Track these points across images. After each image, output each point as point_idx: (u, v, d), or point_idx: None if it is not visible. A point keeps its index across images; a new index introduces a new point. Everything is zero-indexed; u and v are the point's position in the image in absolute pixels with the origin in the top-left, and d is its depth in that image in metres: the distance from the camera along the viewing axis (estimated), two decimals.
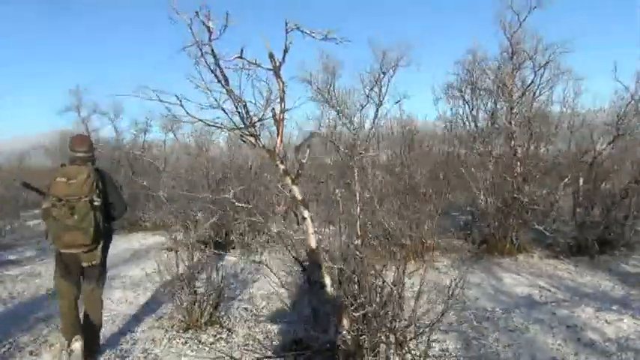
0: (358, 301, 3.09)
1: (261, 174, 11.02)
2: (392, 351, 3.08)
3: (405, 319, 3.16)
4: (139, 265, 8.19)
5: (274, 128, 3.23)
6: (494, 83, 8.94)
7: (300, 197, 3.06)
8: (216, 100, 3.09)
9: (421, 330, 3.28)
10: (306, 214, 3.09)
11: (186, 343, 4.56)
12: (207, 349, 4.40)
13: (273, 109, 3.11)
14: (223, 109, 3.10)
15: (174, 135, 16.25)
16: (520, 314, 5.00)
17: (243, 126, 3.12)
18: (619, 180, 7.51)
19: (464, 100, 11.40)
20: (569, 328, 4.51)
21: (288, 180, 3.07)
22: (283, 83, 3.02)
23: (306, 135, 9.93)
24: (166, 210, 10.50)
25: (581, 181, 7.48)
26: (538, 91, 8.24)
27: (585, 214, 7.53)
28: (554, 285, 6.07)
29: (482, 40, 11.63)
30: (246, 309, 5.65)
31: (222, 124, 3.16)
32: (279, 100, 3.06)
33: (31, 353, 4.49)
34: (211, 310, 4.99)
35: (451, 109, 11.18)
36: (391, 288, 3.09)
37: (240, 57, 2.90)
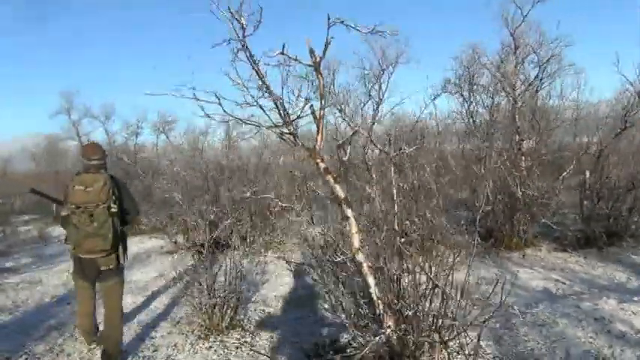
0: (406, 301, 3.03)
1: (258, 174, 11.02)
2: (437, 350, 3.01)
3: (450, 317, 3.10)
4: (141, 269, 8.07)
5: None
6: (496, 78, 8.94)
7: (342, 195, 2.98)
8: (253, 98, 3.00)
9: (463, 328, 3.22)
10: (349, 212, 3.00)
11: (210, 347, 4.45)
12: (233, 352, 4.32)
13: (312, 105, 3.03)
14: (261, 107, 3.01)
15: (167, 136, 16.15)
16: (544, 308, 4.98)
17: (281, 124, 3.03)
18: (625, 172, 7.54)
19: (461, 96, 11.44)
20: (597, 321, 4.50)
21: (330, 178, 2.98)
22: (323, 79, 2.94)
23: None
24: (165, 213, 10.31)
25: (587, 173, 7.50)
26: (541, 85, 8.23)
27: (592, 206, 7.55)
28: (568, 278, 6.08)
29: (480, 37, 11.51)
30: (263, 311, 5.55)
31: (259, 122, 3.07)
32: (319, 96, 2.97)
33: None
34: (232, 313, 4.87)
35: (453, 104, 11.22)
36: (437, 285, 3.03)
37: (282, 53, 2.80)
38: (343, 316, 4.20)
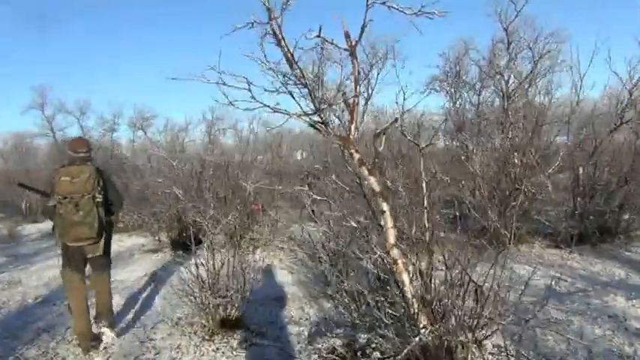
0: (444, 301, 2.89)
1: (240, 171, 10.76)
2: (471, 351, 2.88)
3: (486, 317, 2.98)
4: (125, 268, 7.73)
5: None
6: (487, 74, 8.91)
7: (377, 189, 2.82)
8: (282, 84, 2.81)
9: (495, 328, 3.11)
10: (384, 207, 2.84)
11: (217, 350, 4.23)
12: (243, 354, 4.11)
13: (344, 92, 2.86)
14: (291, 94, 2.82)
15: (145, 132, 15.72)
16: (554, 306, 4.91)
17: (311, 112, 2.85)
18: (617, 169, 7.59)
19: (447, 93, 11.43)
20: (611, 318, 4.46)
21: (364, 171, 2.82)
22: (359, 64, 2.77)
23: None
24: (147, 210, 9.95)
25: (580, 170, 7.52)
26: (535, 81, 8.23)
27: (585, 203, 7.58)
28: (568, 275, 6.05)
29: (470, 34, 11.49)
30: (265, 310, 5.33)
31: (287, 110, 2.87)
32: (352, 82, 2.80)
33: None
34: (237, 313, 4.65)
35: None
36: (475, 284, 2.90)
37: (319, 35, 2.62)
38: (355, 315, 4.08)
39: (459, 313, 2.89)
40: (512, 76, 8.10)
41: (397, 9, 2.52)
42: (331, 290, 5.22)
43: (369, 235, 3.92)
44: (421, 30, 2.45)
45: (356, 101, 2.82)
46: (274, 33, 2.79)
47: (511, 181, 7.81)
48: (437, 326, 2.85)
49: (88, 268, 4.45)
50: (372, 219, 3.36)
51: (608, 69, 7.74)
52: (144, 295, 6.18)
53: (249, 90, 2.69)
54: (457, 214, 4.42)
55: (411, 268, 2.98)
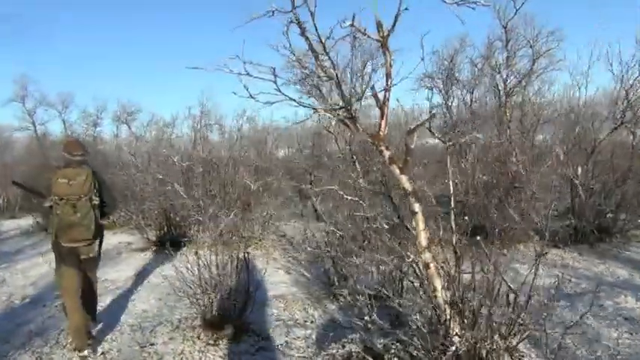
0: (475, 306, 2.74)
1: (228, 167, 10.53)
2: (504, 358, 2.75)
3: (521, 323, 2.85)
4: (114, 267, 7.46)
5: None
6: (483, 72, 8.81)
7: (409, 188, 2.65)
8: (308, 77, 2.62)
9: (527, 333, 2.98)
10: (416, 207, 2.67)
11: (225, 356, 4.03)
12: None
13: (373, 86, 2.69)
14: (317, 87, 2.64)
15: (129, 127, 15.33)
16: (566, 307, 4.82)
17: (338, 106, 2.67)
18: (614, 169, 7.56)
19: (439, 90, 11.31)
20: (627, 321, 4.39)
21: (396, 169, 2.65)
22: (391, 56, 2.60)
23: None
24: (135, 207, 9.63)
25: (579, 169, 7.47)
26: (532, 79, 8.14)
27: (582, 202, 7.54)
28: (573, 275, 5.98)
29: (463, 29, 11.37)
30: (268, 312, 5.14)
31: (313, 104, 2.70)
32: (385, 75, 2.63)
33: None
34: (242, 315, 4.46)
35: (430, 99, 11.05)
36: (510, 289, 2.77)
37: (353, 24, 2.44)
38: (368, 319, 3.91)
39: (492, 319, 2.75)
40: (509, 73, 7.99)
41: None
42: (337, 291, 5.08)
43: (390, 235, 3.76)
44: (463, 20, 2.31)
45: (387, 96, 2.65)
46: (298, 22, 2.61)
47: (509, 179, 7.75)
48: (469, 333, 2.71)
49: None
50: (396, 219, 3.21)
51: (605, 68, 7.67)
52: (137, 295, 5.95)
53: (275, 82, 2.51)
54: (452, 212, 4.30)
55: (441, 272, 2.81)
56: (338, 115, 2.68)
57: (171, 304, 5.49)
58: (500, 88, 8.25)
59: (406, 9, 2.46)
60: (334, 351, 3.96)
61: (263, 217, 9.52)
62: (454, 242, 3.01)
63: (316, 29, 2.48)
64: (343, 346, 4.02)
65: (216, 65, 2.54)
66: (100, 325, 4.81)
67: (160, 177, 9.03)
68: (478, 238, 3.07)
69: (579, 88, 7.98)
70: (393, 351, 3.49)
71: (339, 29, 2.58)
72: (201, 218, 8.84)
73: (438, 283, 2.73)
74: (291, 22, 2.62)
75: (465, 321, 2.76)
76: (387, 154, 2.64)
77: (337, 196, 5.64)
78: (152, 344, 4.35)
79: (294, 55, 2.61)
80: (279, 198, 11.43)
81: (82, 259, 4.24)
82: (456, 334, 2.70)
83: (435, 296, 2.74)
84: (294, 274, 6.65)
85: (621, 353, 3.78)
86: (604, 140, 7.47)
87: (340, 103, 2.68)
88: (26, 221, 12.74)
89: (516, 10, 7.78)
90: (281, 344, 4.26)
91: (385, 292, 3.68)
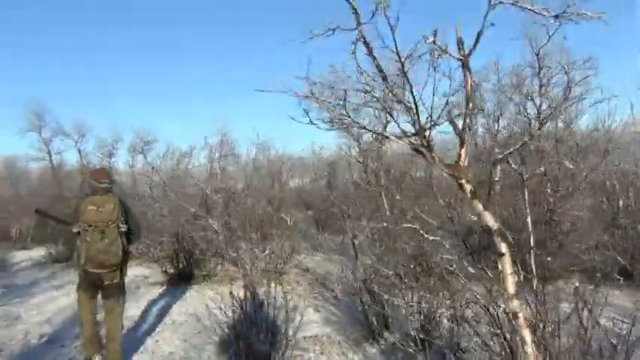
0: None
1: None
2: None
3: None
4: (133, 304, 7.07)
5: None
6: (511, 99, 8.53)
7: (495, 226, 2.33)
8: (377, 100, 2.34)
9: None
10: (503, 248, 2.34)
11: None
12: None
13: (450, 111, 2.40)
14: (389, 112, 2.35)
15: (145, 157, 15.16)
16: None
17: (411, 133, 2.38)
18: None
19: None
20: None
21: (479, 205, 2.33)
22: (472, 77, 2.31)
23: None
24: (152, 239, 9.31)
25: (620, 201, 7.10)
26: (567, 108, 7.84)
27: (625, 235, 7.14)
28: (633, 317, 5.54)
29: (487, 58, 11.14)
30: (305, 358, 4.74)
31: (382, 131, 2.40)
32: (465, 99, 2.34)
33: None
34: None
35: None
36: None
37: (434, 41, 2.17)
38: None
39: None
40: (542, 101, 7.71)
41: (532, 10, 2.09)
42: (376, 334, 4.72)
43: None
44: (565, 36, 2.05)
45: (467, 121, 2.36)
46: (364, 41, 2.34)
47: (544, 213, 7.39)
48: None
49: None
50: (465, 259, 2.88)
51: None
52: (161, 336, 5.58)
53: (344, 106, 2.23)
54: (532, 252, 4.00)
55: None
56: (411, 143, 2.38)
57: (198, 345, 5.15)
58: (530, 116, 7.95)
59: (492, 24, 2.18)
60: None
61: (284, 250, 9.18)
62: (534, 287, 2.66)
63: (396, 47, 2.20)
64: None
65: (282, 87, 2.26)
66: None
67: (193, 210, 8.67)
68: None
69: (615, 116, 7.62)
70: None
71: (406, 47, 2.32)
72: (224, 252, 8.55)
73: (529, 336, 2.37)
74: (357, 39, 2.35)
75: None
76: (468, 187, 2.32)
77: (375, 230, 5.34)
78: None
79: (362, 76, 2.32)
80: (295, 230, 11.16)
81: (106, 285, 4.31)
82: None
83: (525, 352, 2.38)
84: (324, 313, 6.26)
85: None
86: None
87: (412, 130, 2.38)
88: (38, 252, 12.46)
89: (549, 37, 7.48)
90: None
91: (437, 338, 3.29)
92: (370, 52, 2.36)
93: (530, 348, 2.36)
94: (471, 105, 2.33)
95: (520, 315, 2.36)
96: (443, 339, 4.02)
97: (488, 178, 2.45)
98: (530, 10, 2.08)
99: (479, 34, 2.23)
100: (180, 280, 8.37)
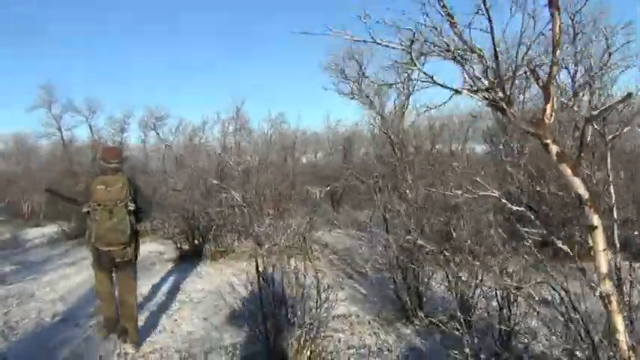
0: None
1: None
2: None
3: None
4: (150, 280, 6.84)
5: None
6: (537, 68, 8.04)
7: (585, 194, 1.99)
8: (447, 47, 1.97)
9: None
10: (595, 220, 2.00)
11: None
12: None
13: (531, 60, 2.04)
14: (459, 60, 1.99)
15: (157, 133, 14.88)
16: None
17: (486, 86, 2.02)
18: None
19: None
20: None
21: (567, 169, 1.99)
22: (560, 19, 1.94)
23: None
24: (168, 215, 9.03)
25: None
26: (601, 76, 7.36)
27: None
28: None
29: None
30: (335, 338, 4.45)
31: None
32: (551, 44, 1.97)
33: None
34: (312, 346, 3.79)
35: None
36: None
37: None
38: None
39: None
40: (577, 70, 7.25)
41: None
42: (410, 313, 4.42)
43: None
44: None
45: (554, 71, 2.00)
46: None
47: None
48: None
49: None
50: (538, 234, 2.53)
51: None
52: (179, 315, 5.33)
53: (410, 52, 1.88)
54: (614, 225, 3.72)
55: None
56: (486, 97, 2.03)
57: (219, 325, 4.90)
58: (566, 85, 7.49)
59: None
60: None
61: (302, 225, 8.88)
62: (617, 264, 2.32)
63: None
64: None
65: (331, 31, 1.91)
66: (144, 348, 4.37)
67: (216, 182, 8.36)
68: None
69: None
70: None
71: None
72: (240, 228, 8.28)
73: (621, 323, 2.04)
74: None
75: None
76: (554, 149, 1.97)
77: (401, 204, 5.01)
78: None
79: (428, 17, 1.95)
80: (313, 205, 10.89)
81: (117, 263, 4.33)
82: None
83: (618, 340, 2.05)
84: (349, 290, 5.95)
85: None
86: None
87: (486, 83, 2.02)
88: (51, 229, 12.28)
89: (585, 1, 7.03)
90: None
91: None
92: None
93: (622, 336, 2.03)
94: (558, 52, 1.97)
95: (613, 299, 2.03)
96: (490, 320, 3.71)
97: (580, 139, 2.09)
98: None
99: None
100: (196, 256, 8.12)
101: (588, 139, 2.03)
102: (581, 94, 7.24)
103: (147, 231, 9.89)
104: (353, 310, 5.20)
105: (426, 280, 4.71)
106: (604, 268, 2.02)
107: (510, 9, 1.93)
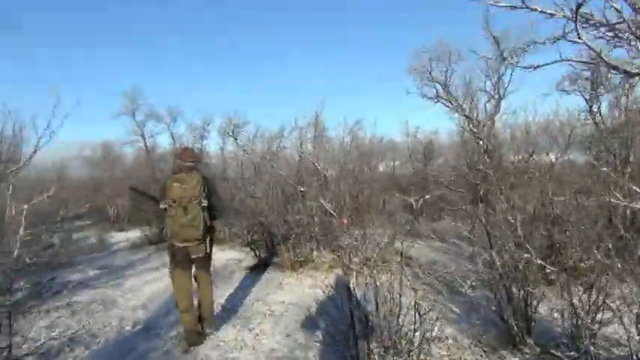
0: None
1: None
2: None
3: None
4: (228, 289, 6.69)
5: None
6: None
7: None
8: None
9: None
10: None
11: None
12: None
13: None
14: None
15: (235, 140, 14.95)
16: None
17: None
18: None
19: (581, 95, 9.70)
20: None
21: None
22: None
23: None
24: (247, 221, 8.87)
25: None
26: None
27: None
28: None
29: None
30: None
31: None
32: None
33: None
34: None
35: None
36: None
37: None
38: None
39: None
40: None
41: None
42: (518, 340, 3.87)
43: None
44: None
45: None
46: None
47: None
48: None
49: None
50: None
51: None
52: (260, 328, 5.04)
53: (575, 18, 1.44)
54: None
55: None
56: None
57: (302, 342, 4.56)
58: None
59: None
60: None
61: (382, 237, 8.43)
62: None
63: None
64: None
65: None
66: None
67: (302, 189, 8.16)
68: None
69: None
70: None
71: None
72: (319, 237, 8.00)
73: None
74: None
75: None
76: None
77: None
78: None
79: None
80: (381, 215, 10.43)
81: (193, 259, 4.48)
82: None
83: None
84: (440, 308, 5.43)
85: None
86: None
87: None
88: (134, 234, 12.61)
89: None
90: None
91: None
92: None
93: None
94: None
95: None
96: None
97: None
98: None
99: None
100: (275, 265, 7.93)
101: None
102: None
103: (225, 238, 9.82)
104: (448, 332, 4.70)
105: (535, 302, 4.14)
106: None
107: None
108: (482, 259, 4.58)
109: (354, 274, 4.48)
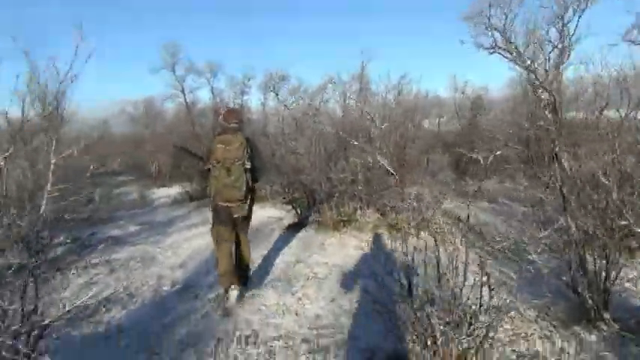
0: None
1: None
2: None
3: None
4: (268, 247, 6.40)
5: None
6: None
7: None
8: None
9: None
10: None
11: None
12: None
13: None
14: None
15: (276, 95, 14.57)
16: None
17: None
18: None
19: None
20: None
21: None
22: None
23: None
24: (288, 179, 8.52)
25: None
26: None
27: None
28: None
29: None
30: (494, 340, 3.56)
31: None
32: None
33: None
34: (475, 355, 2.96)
35: None
36: None
37: None
38: None
39: None
40: None
41: None
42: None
43: None
44: None
45: None
46: None
47: None
48: None
49: None
50: None
51: None
52: (303, 292, 4.73)
53: None
54: None
55: None
56: None
57: (348, 308, 4.22)
58: None
59: None
60: None
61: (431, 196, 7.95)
62: None
63: None
64: None
65: None
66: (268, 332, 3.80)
67: (356, 143, 7.73)
68: None
69: None
70: None
71: None
72: (363, 196, 7.60)
73: None
74: None
75: None
76: None
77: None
78: None
79: None
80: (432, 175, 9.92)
81: (235, 219, 4.54)
82: None
83: None
84: (497, 275, 4.95)
85: None
86: None
87: None
88: (176, 190, 12.54)
89: None
90: None
91: None
92: None
93: None
94: None
95: None
96: None
97: None
98: None
99: None
100: (316, 224, 7.58)
101: None
102: None
103: (266, 196, 9.53)
104: (508, 302, 4.24)
105: (613, 273, 3.63)
106: None
107: None
108: (558, 224, 4.05)
109: (407, 236, 4.04)
